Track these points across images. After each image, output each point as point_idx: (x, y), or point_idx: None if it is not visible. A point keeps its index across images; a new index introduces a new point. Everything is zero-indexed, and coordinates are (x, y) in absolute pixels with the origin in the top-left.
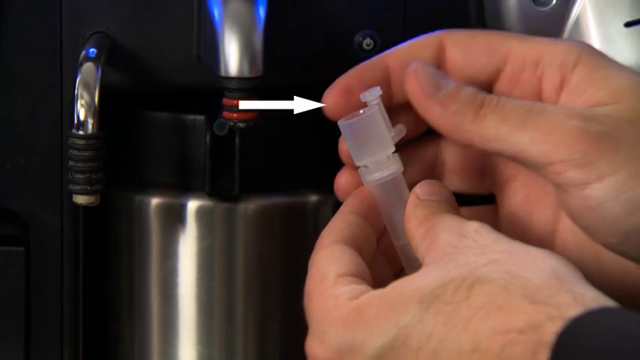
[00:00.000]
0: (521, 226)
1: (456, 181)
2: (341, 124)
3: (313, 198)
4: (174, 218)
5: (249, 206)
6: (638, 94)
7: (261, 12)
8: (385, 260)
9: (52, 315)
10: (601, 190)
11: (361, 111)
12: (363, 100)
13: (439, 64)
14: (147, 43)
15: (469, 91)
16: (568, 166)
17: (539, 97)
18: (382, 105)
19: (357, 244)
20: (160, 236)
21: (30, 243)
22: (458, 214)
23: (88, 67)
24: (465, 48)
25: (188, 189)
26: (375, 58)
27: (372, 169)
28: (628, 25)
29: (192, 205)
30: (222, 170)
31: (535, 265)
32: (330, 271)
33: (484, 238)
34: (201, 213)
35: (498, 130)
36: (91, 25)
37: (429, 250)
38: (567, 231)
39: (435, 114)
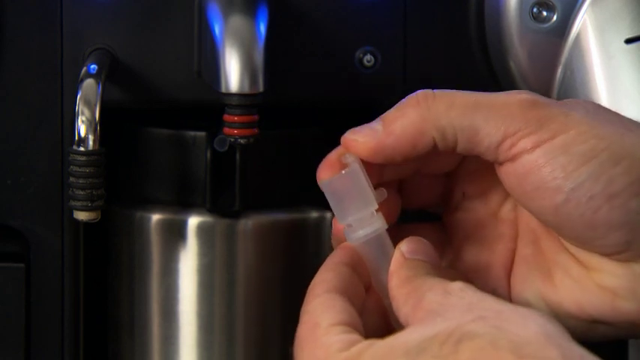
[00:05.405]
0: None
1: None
2: (322, 182)
3: (314, 214)
4: (174, 235)
5: (250, 222)
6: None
7: (262, 28)
8: (376, 309)
9: (52, 332)
10: (551, 146)
11: (343, 172)
12: (344, 162)
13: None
14: (148, 60)
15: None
16: (523, 134)
17: None
18: (362, 166)
19: (347, 294)
20: (160, 253)
21: (30, 260)
22: (440, 274)
23: (88, 84)
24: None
25: (189, 205)
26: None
27: (355, 227)
28: (628, 41)
29: (193, 222)
30: (223, 186)
31: (524, 321)
32: (322, 319)
33: (470, 297)
34: (201, 229)
35: (449, 113)
36: (91, 41)
37: (414, 312)
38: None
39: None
